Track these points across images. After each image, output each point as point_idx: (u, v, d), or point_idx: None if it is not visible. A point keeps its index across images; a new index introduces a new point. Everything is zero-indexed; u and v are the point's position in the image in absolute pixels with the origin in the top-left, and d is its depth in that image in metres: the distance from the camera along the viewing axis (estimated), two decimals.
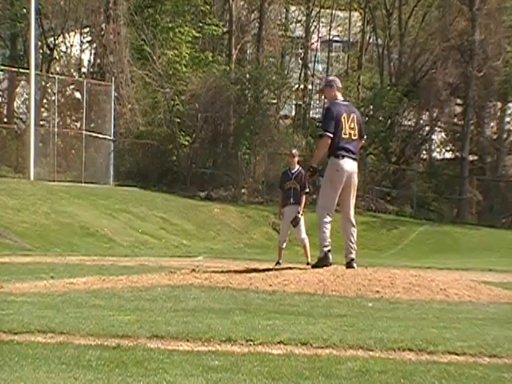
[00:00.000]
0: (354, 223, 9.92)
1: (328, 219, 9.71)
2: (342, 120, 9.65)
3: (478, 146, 40.69)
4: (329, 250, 9.70)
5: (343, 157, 9.63)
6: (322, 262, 9.69)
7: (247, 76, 39.14)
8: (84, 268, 13.50)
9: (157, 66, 36.82)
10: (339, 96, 9.99)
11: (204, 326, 6.16)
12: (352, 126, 9.72)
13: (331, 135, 9.65)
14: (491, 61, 38.33)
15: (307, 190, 14.01)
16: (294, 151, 14.82)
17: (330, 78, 10.81)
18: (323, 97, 10.61)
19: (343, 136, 9.64)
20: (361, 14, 44.00)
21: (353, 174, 9.73)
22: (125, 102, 35.58)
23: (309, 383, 4.48)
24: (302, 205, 13.87)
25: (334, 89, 10.01)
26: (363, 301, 8.02)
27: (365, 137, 10.13)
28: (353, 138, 9.73)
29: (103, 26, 35.76)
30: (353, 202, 9.88)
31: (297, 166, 14.20)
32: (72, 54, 40.01)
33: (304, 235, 13.84)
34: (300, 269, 10.02)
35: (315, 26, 44.34)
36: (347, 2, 44.59)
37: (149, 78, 36.63)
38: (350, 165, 9.68)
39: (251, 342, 5.55)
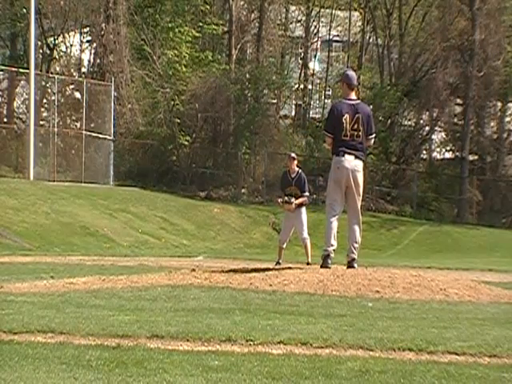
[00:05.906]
0: (360, 225, 9.83)
1: (333, 217, 9.64)
2: (344, 121, 9.53)
3: (478, 145, 40.65)
4: (328, 255, 9.63)
5: (344, 154, 9.56)
6: (322, 264, 9.70)
7: (247, 76, 39.13)
8: (84, 268, 13.52)
9: (157, 66, 36.80)
10: (351, 94, 9.76)
11: (204, 326, 6.16)
12: (355, 127, 9.58)
13: (330, 135, 9.66)
14: (491, 61, 38.29)
15: (307, 193, 14.15)
16: (292, 155, 14.77)
17: (347, 72, 10.32)
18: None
19: (343, 138, 9.56)
20: (361, 13, 43.98)
21: (355, 172, 9.60)
22: (125, 102, 35.57)
23: (309, 383, 4.48)
24: (299, 201, 13.93)
25: (343, 85, 9.90)
26: (363, 301, 8.02)
27: (373, 135, 9.93)
28: (355, 138, 9.61)
29: (103, 25, 35.71)
30: (358, 203, 9.74)
31: (296, 170, 14.21)
32: (72, 54, 39.97)
33: (306, 235, 13.99)
34: (300, 269, 10.02)
35: (315, 26, 44.35)
36: (347, 2, 44.58)
37: (149, 77, 36.60)
38: (351, 162, 9.57)
39: (251, 342, 5.55)
